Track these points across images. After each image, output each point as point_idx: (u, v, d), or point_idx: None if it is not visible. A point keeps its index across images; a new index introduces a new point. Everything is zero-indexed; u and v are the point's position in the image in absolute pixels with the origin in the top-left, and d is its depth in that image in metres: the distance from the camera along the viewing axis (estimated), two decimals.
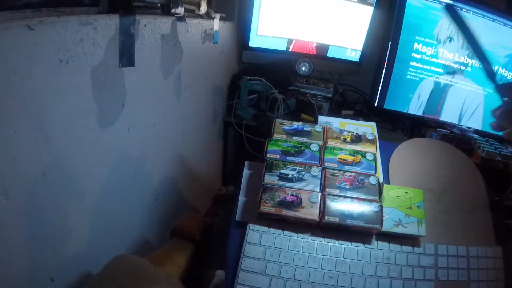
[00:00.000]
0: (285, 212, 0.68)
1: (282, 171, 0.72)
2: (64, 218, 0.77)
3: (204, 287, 0.96)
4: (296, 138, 0.78)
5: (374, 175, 0.74)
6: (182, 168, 1.35)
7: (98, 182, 0.87)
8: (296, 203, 0.68)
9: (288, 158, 0.74)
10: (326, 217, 0.68)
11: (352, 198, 0.71)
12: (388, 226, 0.71)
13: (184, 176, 1.38)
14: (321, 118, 0.89)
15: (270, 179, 0.71)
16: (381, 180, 0.76)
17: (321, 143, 0.78)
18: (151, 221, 1.17)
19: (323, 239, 0.70)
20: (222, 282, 0.93)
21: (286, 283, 0.66)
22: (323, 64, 1.85)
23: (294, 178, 0.71)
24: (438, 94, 1.75)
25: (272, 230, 0.70)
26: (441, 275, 0.72)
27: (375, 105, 1.75)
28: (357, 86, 1.99)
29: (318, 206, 0.68)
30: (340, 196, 0.71)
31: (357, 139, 0.80)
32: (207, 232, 0.89)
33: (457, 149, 0.92)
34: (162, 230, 1.22)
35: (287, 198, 0.69)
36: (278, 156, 0.74)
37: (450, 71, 1.72)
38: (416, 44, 1.71)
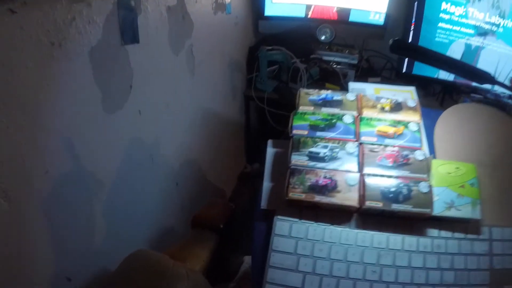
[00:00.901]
0: (318, 198, 0.56)
1: (311, 149, 0.60)
2: (75, 215, 0.68)
3: (232, 276, 0.86)
4: (326, 110, 0.65)
5: (420, 149, 0.61)
6: (202, 148, 1.24)
7: (111, 171, 0.77)
8: (330, 187, 0.56)
9: (318, 133, 0.62)
10: (367, 203, 0.55)
11: (396, 177, 0.58)
12: (439, 209, 0.58)
13: (205, 156, 1.28)
14: (351, 85, 0.75)
15: (298, 159, 0.59)
16: (428, 154, 0.63)
17: (355, 113, 0.64)
18: (174, 207, 1.08)
19: (364, 228, 0.58)
20: (251, 268, 0.84)
21: (322, 281, 0.55)
22: (345, 29, 1.68)
23: (326, 157, 0.59)
24: (470, 57, 1.60)
25: (303, 219, 0.58)
26: (496, 263, 0.59)
27: (404, 71, 1.59)
28: (383, 51, 1.81)
29: (357, 190, 0.56)
30: (382, 176, 0.58)
31: (397, 107, 0.66)
32: (231, 218, 0.78)
33: (508, 115, 0.77)
34: (186, 216, 1.12)
35: (320, 182, 0.57)
36: (306, 132, 0.62)
37: (481, 32, 1.55)
38: (444, 3, 1.54)
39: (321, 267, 0.55)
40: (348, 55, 1.62)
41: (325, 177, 0.57)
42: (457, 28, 1.57)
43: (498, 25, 1.54)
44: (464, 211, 0.59)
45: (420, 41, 1.60)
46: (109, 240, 0.77)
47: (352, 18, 1.66)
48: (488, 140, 0.71)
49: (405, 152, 0.60)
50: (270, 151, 0.66)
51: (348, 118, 0.63)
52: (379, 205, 0.56)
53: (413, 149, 0.61)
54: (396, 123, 0.64)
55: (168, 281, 0.61)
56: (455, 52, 1.59)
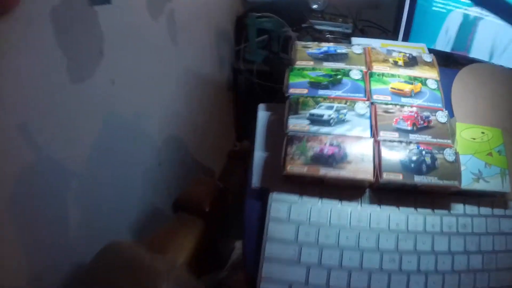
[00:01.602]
0: (324, 170, 0.43)
1: (313, 111, 0.47)
2: (45, 203, 0.55)
3: (222, 264, 0.74)
4: (328, 65, 0.52)
5: (442, 110, 0.49)
6: (188, 124, 1.10)
7: (83, 149, 0.63)
8: (338, 157, 0.44)
9: (320, 92, 0.49)
10: (385, 175, 0.43)
11: (417, 144, 0.46)
12: (466, 181, 0.47)
13: (191, 133, 1.14)
14: (354, 40, 0.62)
15: (297, 124, 0.46)
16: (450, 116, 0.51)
17: (364, 68, 0.52)
18: (157, 190, 0.94)
19: (379, 207, 0.46)
20: (243, 259, 0.71)
21: (331, 274, 0.43)
22: None
23: (332, 120, 0.47)
24: (467, 28, 1.49)
25: (305, 197, 0.46)
26: None
27: (399, 41, 1.48)
28: (378, 21, 1.68)
29: (372, 159, 0.44)
30: (401, 142, 0.46)
31: (412, 61, 0.54)
32: (219, 199, 0.66)
33: None
34: (173, 199, 0.99)
35: (325, 150, 0.44)
36: (306, 91, 0.49)
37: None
38: None
39: (328, 257, 0.44)
40: (342, 24, 1.49)
41: (331, 145, 0.45)
42: None
43: None
44: (494, 183, 0.48)
45: (416, 10, 1.48)
46: (85, 231, 0.64)
47: None
48: (510, 104, 0.59)
49: (426, 113, 0.48)
50: (262, 115, 0.53)
51: (356, 74, 0.51)
52: (399, 177, 0.44)
53: (434, 110, 0.49)
54: (413, 79, 0.51)
55: (145, 280, 0.49)
56: (453, 22, 1.49)
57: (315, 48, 0.54)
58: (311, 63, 0.52)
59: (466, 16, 1.48)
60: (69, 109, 0.58)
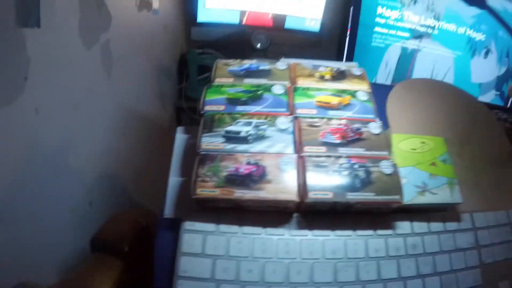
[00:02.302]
0: (240, 193, 0.36)
1: (229, 128, 0.41)
2: None
3: None
4: (249, 81, 0.47)
5: (375, 121, 0.44)
6: (125, 162, 1.01)
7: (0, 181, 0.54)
8: (256, 176, 0.37)
9: (239, 108, 0.43)
10: (311, 194, 0.37)
11: (348, 158, 0.40)
12: (410, 195, 0.41)
13: (129, 172, 1.04)
14: (283, 60, 0.57)
15: (210, 142, 0.40)
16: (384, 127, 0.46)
17: (288, 83, 0.47)
18: (89, 229, 0.83)
19: (311, 232, 0.39)
20: None
21: None
22: (281, 36, 1.55)
23: (249, 137, 0.40)
24: (406, 60, 1.55)
25: (222, 226, 0.38)
26: (486, 256, 0.44)
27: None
28: (320, 58, 1.69)
29: (295, 177, 0.37)
30: (329, 156, 0.40)
31: (340, 75, 0.50)
32: (141, 237, 0.56)
33: (462, 89, 0.65)
34: None
35: (241, 170, 0.38)
36: (223, 107, 0.43)
37: (417, 35, 1.51)
38: (379, 7, 1.48)
39: None
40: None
41: (248, 163, 0.38)
42: (393, 32, 1.52)
43: (433, 27, 1.51)
44: (442, 195, 0.42)
45: (356, 46, 1.53)
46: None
47: (288, 25, 1.55)
48: (451, 116, 0.56)
49: (356, 125, 0.43)
50: (179, 138, 0.46)
51: (278, 89, 0.45)
52: (328, 196, 0.37)
53: (365, 122, 0.44)
54: (341, 92, 0.47)
55: None
56: (392, 55, 1.53)
57: (236, 65, 0.49)
58: (231, 80, 0.47)
59: (404, 49, 1.53)
60: None
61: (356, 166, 0.40)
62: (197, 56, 1.21)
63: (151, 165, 1.22)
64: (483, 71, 1.42)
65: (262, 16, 1.49)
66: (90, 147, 0.82)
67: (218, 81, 0.47)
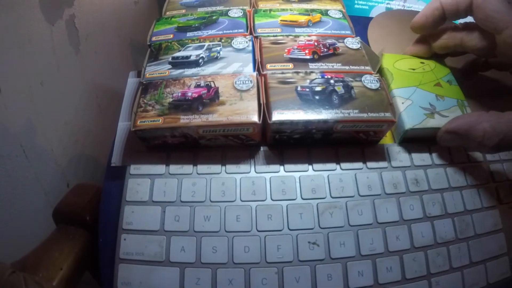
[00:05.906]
0: (185, 119, 0.27)
1: (177, 54, 0.31)
2: None
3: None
4: (203, 10, 0.37)
5: (352, 36, 0.34)
6: (101, 140, 0.91)
7: None
8: (206, 98, 0.27)
9: (189, 34, 0.33)
10: (276, 113, 0.27)
11: (321, 72, 0.30)
12: (417, 118, 0.31)
13: (106, 150, 0.93)
14: None
15: (155, 70, 0.30)
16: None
17: (248, 8, 0.37)
18: None
19: (281, 167, 0.29)
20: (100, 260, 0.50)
21: (217, 275, 0.24)
22: None
23: (201, 60, 0.30)
24: None
25: (173, 167, 0.28)
26: (504, 195, 0.33)
27: None
28: None
29: (255, 97, 0.27)
30: (297, 72, 0.30)
31: None
32: None
33: None
34: None
35: (188, 94, 0.28)
36: (171, 36, 0.33)
37: None
38: None
39: (212, 252, 0.25)
40: None
41: (198, 86, 0.28)
42: None
43: None
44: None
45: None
46: None
47: None
48: None
49: (330, 41, 0.33)
50: (131, 82, 0.36)
51: (236, 12, 0.35)
52: (298, 115, 0.27)
53: (342, 37, 0.34)
54: (310, 11, 0.36)
55: None
56: None
57: None
58: (183, 11, 0.37)
59: (389, 10, 1.44)
60: None
61: (332, 81, 0.30)
62: None
63: None
64: None
65: None
66: (62, 126, 0.72)
67: (168, 14, 0.37)
